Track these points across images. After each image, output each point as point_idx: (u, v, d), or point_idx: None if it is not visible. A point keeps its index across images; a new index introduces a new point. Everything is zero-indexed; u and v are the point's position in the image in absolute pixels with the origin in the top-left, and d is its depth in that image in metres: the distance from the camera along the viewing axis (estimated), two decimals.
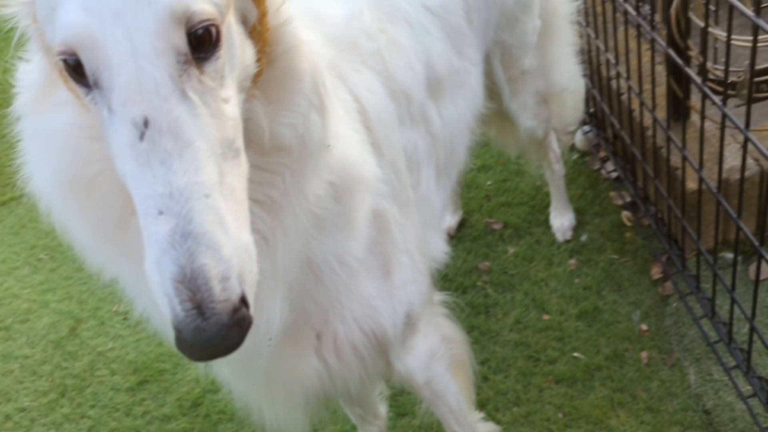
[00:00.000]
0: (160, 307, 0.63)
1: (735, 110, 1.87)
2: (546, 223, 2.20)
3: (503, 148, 2.19)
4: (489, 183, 2.41)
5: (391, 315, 1.06)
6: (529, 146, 1.99)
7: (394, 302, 1.06)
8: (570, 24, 1.84)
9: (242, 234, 0.65)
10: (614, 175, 2.21)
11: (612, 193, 2.20)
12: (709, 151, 1.81)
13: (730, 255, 1.83)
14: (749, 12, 1.21)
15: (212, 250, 0.60)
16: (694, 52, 1.72)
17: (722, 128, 1.43)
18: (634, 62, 1.95)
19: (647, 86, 1.98)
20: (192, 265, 0.59)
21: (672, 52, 1.60)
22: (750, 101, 1.36)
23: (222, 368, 1.14)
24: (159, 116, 0.63)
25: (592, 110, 2.34)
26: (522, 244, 2.17)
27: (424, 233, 1.20)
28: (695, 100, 1.91)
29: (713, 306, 1.56)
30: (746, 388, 1.56)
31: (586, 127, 2.36)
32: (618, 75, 1.97)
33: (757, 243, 1.31)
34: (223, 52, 0.68)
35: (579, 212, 2.18)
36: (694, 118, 1.87)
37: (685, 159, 1.71)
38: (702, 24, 1.49)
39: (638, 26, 1.87)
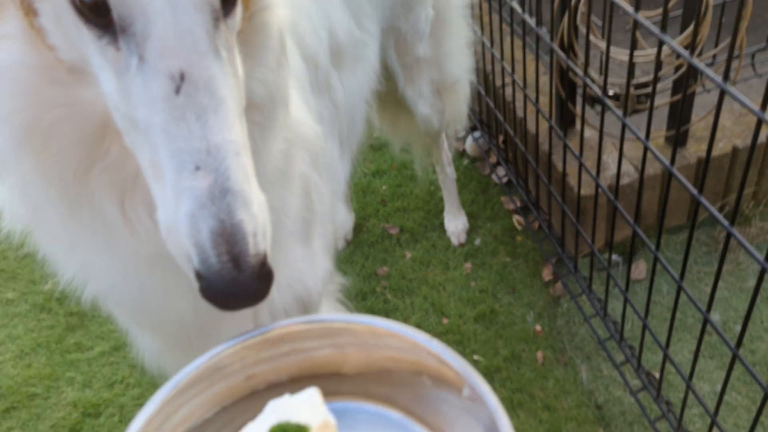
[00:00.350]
0: (178, 258, 0.65)
1: (613, 120, 2.00)
2: (441, 227, 2.22)
3: (398, 139, 2.18)
4: (384, 188, 2.40)
5: (314, 279, 1.07)
6: (424, 139, 2.02)
7: (316, 267, 1.08)
8: (463, 18, 1.89)
9: (259, 192, 0.67)
10: (505, 180, 2.28)
11: (503, 198, 2.26)
12: (593, 158, 1.92)
13: (614, 257, 1.94)
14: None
15: (246, 207, 0.63)
16: (579, 62, 1.80)
17: (600, 136, 1.51)
18: (520, 71, 2.02)
19: (533, 95, 2.06)
20: (231, 221, 0.61)
21: (561, 54, 1.67)
22: (625, 113, 1.44)
23: (150, 341, 1.11)
24: (196, 72, 0.63)
25: (481, 117, 2.40)
26: (419, 248, 2.18)
27: (332, 203, 1.21)
28: (579, 109, 2.02)
29: (605, 306, 1.64)
30: (634, 382, 1.65)
31: (477, 133, 2.41)
32: (513, 83, 2.03)
33: (653, 247, 1.38)
34: (238, 9, 0.69)
35: (472, 216, 2.23)
36: (578, 126, 1.98)
37: (581, 165, 1.78)
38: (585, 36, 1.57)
39: (524, 36, 1.94)
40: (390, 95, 1.78)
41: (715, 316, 1.86)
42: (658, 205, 1.97)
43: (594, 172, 1.84)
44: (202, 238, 0.62)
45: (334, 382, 0.66)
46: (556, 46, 1.66)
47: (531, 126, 2.04)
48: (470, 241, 2.17)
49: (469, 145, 2.44)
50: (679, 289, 1.30)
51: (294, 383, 0.66)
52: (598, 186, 1.63)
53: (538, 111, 1.72)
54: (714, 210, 1.00)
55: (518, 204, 2.19)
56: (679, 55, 1.73)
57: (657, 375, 1.59)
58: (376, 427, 0.67)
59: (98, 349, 2.01)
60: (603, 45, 1.66)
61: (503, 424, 0.59)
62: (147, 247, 0.79)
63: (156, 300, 0.89)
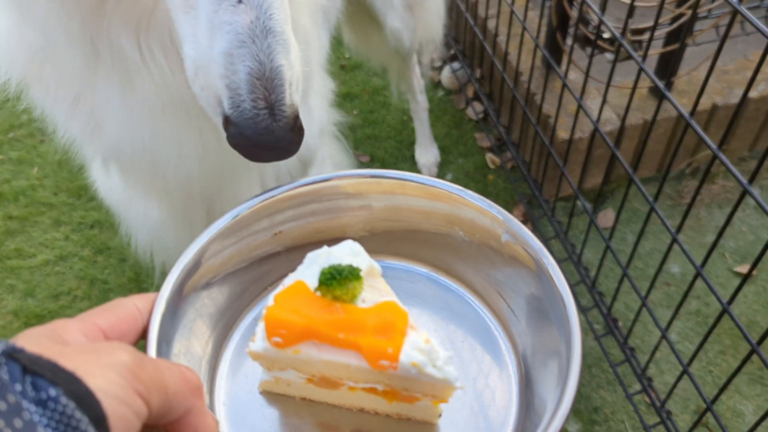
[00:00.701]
0: (205, 100, 0.60)
1: (599, 65, 1.96)
2: (412, 159, 2.17)
3: (371, 59, 2.08)
4: (355, 112, 2.31)
5: (312, 137, 1.05)
6: (396, 60, 1.92)
7: (314, 123, 1.05)
8: None
9: (294, 39, 0.61)
10: (481, 116, 2.23)
11: (477, 135, 2.22)
12: (575, 103, 1.89)
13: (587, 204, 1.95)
14: None
15: (286, 52, 0.57)
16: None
17: (586, 79, 1.48)
18: (505, 6, 1.95)
19: (517, 30, 2.00)
20: (271, 64, 0.56)
21: None
22: (617, 58, 1.40)
23: (154, 211, 1.06)
24: None
25: (463, 48, 2.32)
26: None
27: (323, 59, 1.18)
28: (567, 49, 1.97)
29: (581, 252, 1.64)
30: (596, 326, 1.69)
31: (456, 64, 2.33)
32: (499, 15, 1.94)
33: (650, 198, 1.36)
34: None
35: (444, 151, 2.18)
36: (563, 67, 1.93)
37: (558, 108, 1.75)
38: None
39: None
40: (361, 6, 1.68)
41: (674, 268, 1.91)
42: (634, 156, 1.97)
43: (574, 117, 1.81)
44: (238, 80, 0.56)
45: (360, 242, 0.61)
46: None
47: (514, 61, 1.98)
48: (441, 175, 2.12)
49: (445, 76, 2.36)
50: (639, 239, 1.30)
51: (320, 243, 0.63)
52: (573, 130, 1.60)
53: (537, 46, 1.66)
54: (732, 168, 0.98)
55: (493, 142, 2.15)
56: (680, 3, 1.70)
57: (620, 323, 1.63)
58: (406, 282, 0.66)
59: (41, 257, 1.88)
60: None
61: (549, 262, 0.59)
62: (159, 92, 0.73)
63: (164, 154, 0.82)
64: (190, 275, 0.59)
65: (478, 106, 2.25)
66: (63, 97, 0.80)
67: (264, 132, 0.57)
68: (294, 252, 0.66)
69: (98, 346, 0.42)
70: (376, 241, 0.67)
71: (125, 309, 0.51)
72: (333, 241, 0.61)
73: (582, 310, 1.70)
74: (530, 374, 0.60)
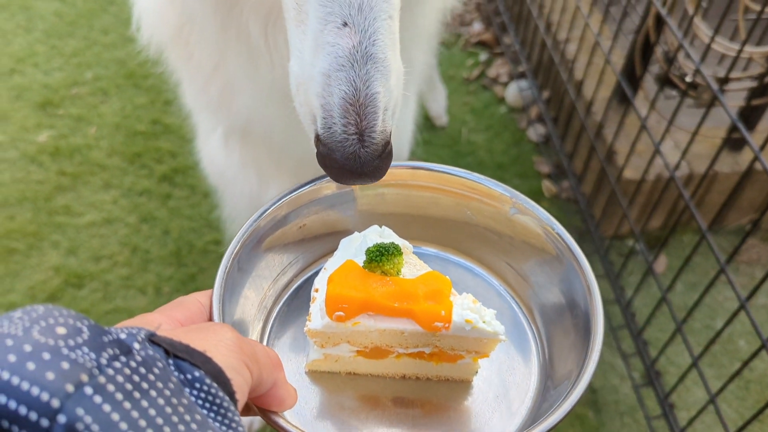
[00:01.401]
0: (302, 115, 0.62)
1: (667, 107, 1.90)
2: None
3: None
4: None
5: (404, 145, 1.15)
6: None
7: (407, 132, 1.18)
8: None
9: (399, 62, 0.62)
10: (543, 140, 2.18)
11: (535, 158, 2.17)
12: (645, 142, 1.83)
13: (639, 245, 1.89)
14: None
15: (385, 79, 0.58)
16: (669, 41, 1.69)
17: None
18: (580, 28, 1.89)
19: (596, 60, 1.94)
20: (367, 90, 0.57)
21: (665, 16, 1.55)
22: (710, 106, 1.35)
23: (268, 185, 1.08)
24: None
25: (532, 67, 2.28)
26: None
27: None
28: (646, 87, 1.91)
29: (632, 297, 1.59)
30: (634, 374, 1.64)
31: (523, 83, 2.29)
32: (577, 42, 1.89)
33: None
34: None
35: (500, 168, 2.14)
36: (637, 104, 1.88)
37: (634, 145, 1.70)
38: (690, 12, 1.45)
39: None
40: None
41: (718, 323, 1.85)
42: (697, 205, 1.91)
43: (646, 158, 1.76)
44: (332, 102, 0.57)
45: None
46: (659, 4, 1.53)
47: (589, 91, 1.93)
48: None
49: (511, 93, 2.32)
50: (704, 294, 1.25)
51: (339, 233, 0.69)
52: (645, 171, 1.55)
53: (616, 81, 1.61)
54: None
55: (552, 168, 2.10)
56: None
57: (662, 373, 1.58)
58: (424, 261, 0.68)
59: (88, 217, 1.89)
60: (703, 27, 1.55)
61: (557, 226, 0.66)
62: (278, 79, 0.75)
63: (287, 136, 0.86)
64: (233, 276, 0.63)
65: (540, 129, 2.21)
66: (204, 65, 0.84)
67: (351, 157, 0.57)
68: (314, 242, 0.72)
69: (203, 325, 0.45)
70: (390, 226, 0.70)
71: (193, 304, 0.55)
72: (346, 232, 0.67)
73: (622, 355, 1.65)
74: (550, 342, 0.66)
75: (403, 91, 0.65)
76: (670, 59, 1.85)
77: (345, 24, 0.57)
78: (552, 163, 2.12)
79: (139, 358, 0.36)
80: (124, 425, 0.32)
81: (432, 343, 0.61)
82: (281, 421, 0.51)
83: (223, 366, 0.41)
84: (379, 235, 0.64)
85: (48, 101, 2.16)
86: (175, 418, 0.35)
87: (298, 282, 0.72)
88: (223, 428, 0.38)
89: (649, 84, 1.94)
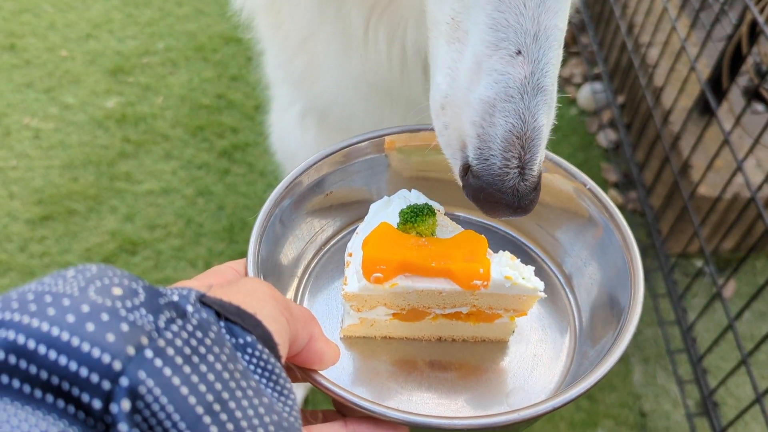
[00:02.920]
0: (444, 137, 0.59)
1: (751, 123, 1.78)
2: None
3: None
4: None
5: None
6: None
7: None
8: None
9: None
10: (613, 146, 2.09)
11: (603, 165, 2.08)
12: (725, 158, 1.72)
13: (706, 267, 1.79)
14: None
15: (550, 110, 0.55)
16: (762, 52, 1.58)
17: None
18: (668, 33, 1.78)
19: (679, 66, 1.84)
20: (534, 123, 0.54)
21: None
22: None
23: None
24: None
25: (608, 69, 2.18)
26: None
27: None
28: (731, 100, 1.80)
29: (695, 321, 1.50)
30: (688, 402, 1.55)
31: (598, 86, 2.19)
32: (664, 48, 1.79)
33: None
34: None
35: None
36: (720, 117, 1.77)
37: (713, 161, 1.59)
38: None
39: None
40: None
41: None
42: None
43: (726, 175, 1.66)
44: (494, 134, 0.54)
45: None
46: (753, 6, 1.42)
47: (668, 100, 1.83)
48: None
49: (583, 95, 2.22)
50: None
51: (362, 203, 0.69)
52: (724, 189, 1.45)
53: (700, 91, 1.51)
54: None
55: (620, 177, 2.01)
56: None
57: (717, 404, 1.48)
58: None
59: (147, 186, 1.91)
60: None
61: (578, 172, 0.66)
62: (369, 71, 0.74)
63: (367, 124, 0.84)
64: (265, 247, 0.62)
65: (611, 134, 2.11)
66: (292, 37, 0.83)
67: (509, 191, 0.54)
68: (342, 209, 0.71)
69: (243, 281, 0.44)
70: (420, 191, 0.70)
71: (230, 272, 0.54)
72: (371, 200, 0.66)
73: (678, 380, 1.57)
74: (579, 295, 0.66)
75: None
76: (762, 72, 1.73)
77: (519, 53, 0.53)
78: (620, 171, 2.03)
79: (195, 322, 0.35)
80: (184, 390, 0.32)
81: (470, 303, 0.61)
82: (324, 381, 0.49)
83: (272, 330, 0.40)
84: (406, 198, 0.64)
85: (119, 68, 2.20)
86: (232, 384, 0.34)
87: (327, 249, 0.71)
88: (275, 395, 0.38)
89: (734, 97, 1.82)
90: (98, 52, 2.24)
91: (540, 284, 0.59)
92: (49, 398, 0.30)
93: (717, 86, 1.70)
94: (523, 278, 0.58)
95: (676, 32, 1.70)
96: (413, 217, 0.60)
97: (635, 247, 0.60)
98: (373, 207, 0.64)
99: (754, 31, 1.59)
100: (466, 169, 0.56)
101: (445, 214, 0.64)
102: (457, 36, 0.56)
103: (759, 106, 1.82)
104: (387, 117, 0.82)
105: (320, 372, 0.50)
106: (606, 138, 2.11)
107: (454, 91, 0.57)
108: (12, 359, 0.30)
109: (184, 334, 0.34)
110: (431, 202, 0.64)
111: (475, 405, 0.60)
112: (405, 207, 0.61)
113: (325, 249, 0.70)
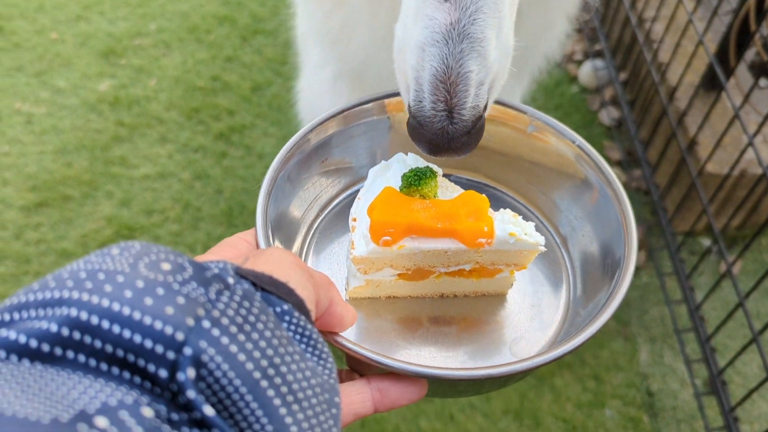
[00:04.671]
0: (399, 81, 0.62)
1: (759, 98, 1.75)
2: None
3: None
4: None
5: None
6: None
7: None
8: None
9: (509, 37, 0.60)
10: (615, 123, 2.06)
11: (606, 143, 2.05)
12: (732, 134, 1.70)
13: (710, 244, 1.77)
14: None
15: (481, 57, 0.56)
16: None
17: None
18: (673, 7, 1.75)
19: (685, 42, 1.80)
20: (459, 69, 0.56)
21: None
22: None
23: None
24: None
25: (610, 45, 2.14)
26: None
27: None
28: (738, 76, 1.77)
29: (703, 300, 1.49)
30: (696, 381, 1.54)
31: (599, 62, 2.16)
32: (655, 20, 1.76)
33: None
34: None
35: None
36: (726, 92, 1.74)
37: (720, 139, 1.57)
38: None
39: None
40: None
41: None
42: None
43: (731, 151, 1.64)
44: (423, 77, 0.56)
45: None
46: None
47: (674, 76, 1.80)
48: None
49: (585, 72, 2.19)
50: None
51: (361, 167, 0.72)
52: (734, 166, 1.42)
53: (707, 66, 1.48)
54: None
55: (623, 155, 1.98)
56: None
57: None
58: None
59: (143, 170, 1.87)
60: None
61: (566, 130, 0.68)
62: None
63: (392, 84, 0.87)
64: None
65: (614, 112, 2.08)
66: None
67: (439, 132, 0.57)
68: (344, 170, 0.72)
69: (269, 251, 0.45)
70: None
71: (242, 244, 0.54)
72: (366, 167, 0.68)
73: (685, 360, 1.55)
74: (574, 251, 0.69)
75: (513, 68, 0.63)
76: (766, 44, 1.70)
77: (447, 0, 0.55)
78: (623, 149, 2.00)
79: (240, 293, 0.36)
80: (242, 356, 0.33)
81: (473, 260, 0.63)
82: (345, 341, 0.51)
83: (303, 297, 0.41)
84: (404, 161, 0.65)
85: (111, 50, 2.15)
86: (281, 350, 0.36)
87: (330, 210, 0.72)
88: (314, 359, 0.39)
89: (741, 73, 1.79)
90: (89, 34, 2.19)
91: (541, 239, 0.61)
92: (115, 370, 0.31)
93: (724, 62, 1.67)
94: (526, 234, 0.60)
95: (682, 5, 1.66)
96: (417, 180, 0.61)
97: (628, 205, 0.62)
98: (372, 172, 0.65)
99: (762, 5, 1.55)
100: (409, 110, 0.59)
101: (443, 176, 0.66)
102: None
103: (765, 82, 1.79)
104: None
105: (340, 333, 0.52)
106: (608, 115, 2.08)
107: (403, 37, 0.60)
108: (76, 335, 0.31)
109: (234, 305, 0.35)
110: (430, 165, 0.65)
111: (479, 356, 0.62)
112: (407, 171, 0.62)
113: (328, 210, 0.72)
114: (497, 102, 0.69)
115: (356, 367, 0.54)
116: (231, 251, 0.52)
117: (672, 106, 1.77)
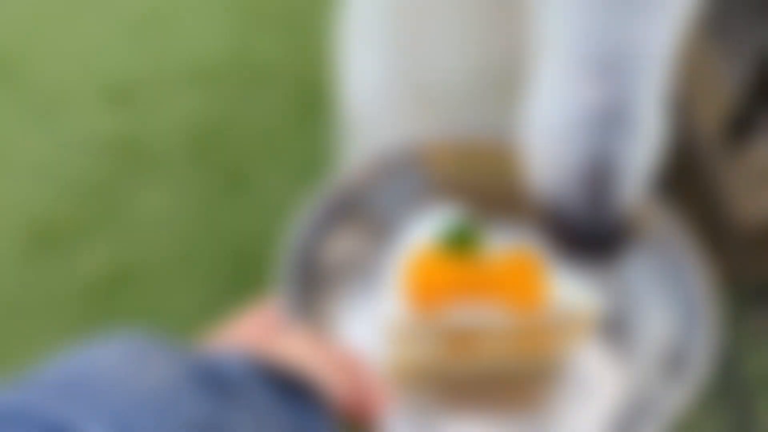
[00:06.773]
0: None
1: None
2: None
3: None
4: None
5: None
6: None
7: None
8: None
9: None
10: None
11: None
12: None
13: None
14: None
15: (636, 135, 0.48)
16: None
17: None
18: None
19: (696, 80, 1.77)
20: (614, 151, 0.48)
21: None
22: None
23: None
24: None
25: None
26: None
27: None
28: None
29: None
30: None
31: None
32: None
33: None
34: None
35: None
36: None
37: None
38: None
39: None
40: None
41: None
42: None
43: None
44: (569, 162, 0.48)
45: None
46: None
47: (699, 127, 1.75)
48: None
49: None
50: None
51: (395, 220, 0.69)
52: None
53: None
54: None
55: None
56: None
57: None
58: None
59: (145, 212, 1.80)
60: None
61: None
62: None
63: None
64: None
65: None
66: None
67: (585, 223, 0.50)
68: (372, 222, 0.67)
69: (293, 334, 0.47)
70: None
71: (263, 315, 0.52)
72: None
73: None
74: None
75: None
76: None
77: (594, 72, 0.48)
78: None
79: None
80: None
81: (521, 326, 0.59)
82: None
83: (330, 389, 0.38)
84: (444, 215, 0.61)
85: (115, 89, 2.16)
86: None
87: (354, 269, 0.66)
88: None
89: None
90: (93, 73, 2.19)
91: (596, 307, 0.56)
92: None
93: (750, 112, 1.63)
94: (578, 301, 0.56)
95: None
96: (459, 241, 0.57)
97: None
98: (406, 225, 0.62)
99: None
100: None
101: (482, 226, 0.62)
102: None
103: None
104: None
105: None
106: None
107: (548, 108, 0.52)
108: None
109: None
110: (469, 219, 0.60)
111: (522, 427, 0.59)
112: (446, 227, 0.58)
113: (355, 266, 0.66)
114: None
115: None
116: (255, 329, 0.47)
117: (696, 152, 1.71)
